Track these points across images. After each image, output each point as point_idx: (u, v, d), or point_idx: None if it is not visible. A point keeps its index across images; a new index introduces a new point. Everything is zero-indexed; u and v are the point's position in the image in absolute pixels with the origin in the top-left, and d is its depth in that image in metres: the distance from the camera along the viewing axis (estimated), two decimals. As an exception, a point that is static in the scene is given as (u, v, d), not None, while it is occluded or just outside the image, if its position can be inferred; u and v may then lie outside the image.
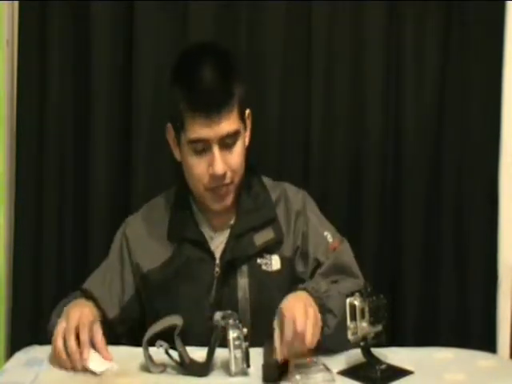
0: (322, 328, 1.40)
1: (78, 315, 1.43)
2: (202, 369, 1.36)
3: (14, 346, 1.90)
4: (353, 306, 1.34)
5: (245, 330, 1.34)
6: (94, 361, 1.38)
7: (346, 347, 1.43)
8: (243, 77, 1.59)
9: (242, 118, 1.56)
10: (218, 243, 1.61)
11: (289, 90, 1.96)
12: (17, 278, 1.99)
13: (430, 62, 1.96)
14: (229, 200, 1.59)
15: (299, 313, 1.34)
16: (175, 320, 1.38)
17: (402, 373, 1.37)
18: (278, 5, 1.93)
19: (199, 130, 1.49)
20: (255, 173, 1.68)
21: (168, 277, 1.59)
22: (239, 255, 1.58)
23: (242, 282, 1.57)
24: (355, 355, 1.40)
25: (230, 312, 1.37)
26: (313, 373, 1.32)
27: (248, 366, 1.34)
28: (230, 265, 1.58)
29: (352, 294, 1.36)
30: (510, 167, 1.99)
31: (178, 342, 1.36)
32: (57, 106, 1.97)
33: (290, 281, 1.58)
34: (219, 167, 1.51)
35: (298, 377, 1.30)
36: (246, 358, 1.34)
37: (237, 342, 1.33)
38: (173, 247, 1.61)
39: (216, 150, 1.50)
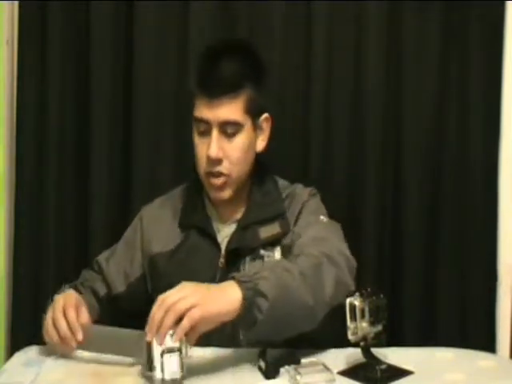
0: (252, 315, 1.31)
1: (63, 300, 1.48)
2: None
3: (13, 346, 1.90)
4: (353, 306, 1.34)
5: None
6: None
7: (280, 336, 1.36)
8: (263, 80, 1.59)
9: (249, 113, 1.57)
10: (224, 236, 1.63)
11: (289, 89, 1.96)
12: (17, 278, 1.99)
13: (430, 62, 1.96)
14: (226, 193, 1.60)
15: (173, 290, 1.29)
16: None
17: (402, 373, 1.37)
18: (278, 5, 1.94)
19: (201, 110, 1.55)
20: (268, 172, 1.70)
21: (174, 264, 1.61)
22: (243, 246, 1.59)
23: None
24: (355, 355, 1.40)
25: None
26: (313, 373, 1.32)
27: (181, 370, 1.27)
28: (234, 255, 1.59)
29: (352, 294, 1.36)
30: (510, 167, 1.99)
31: None
32: (57, 105, 1.97)
33: None
34: (213, 149, 1.54)
35: (298, 377, 1.30)
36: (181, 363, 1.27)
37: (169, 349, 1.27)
38: (182, 235, 1.64)
39: (214, 133, 1.55)
